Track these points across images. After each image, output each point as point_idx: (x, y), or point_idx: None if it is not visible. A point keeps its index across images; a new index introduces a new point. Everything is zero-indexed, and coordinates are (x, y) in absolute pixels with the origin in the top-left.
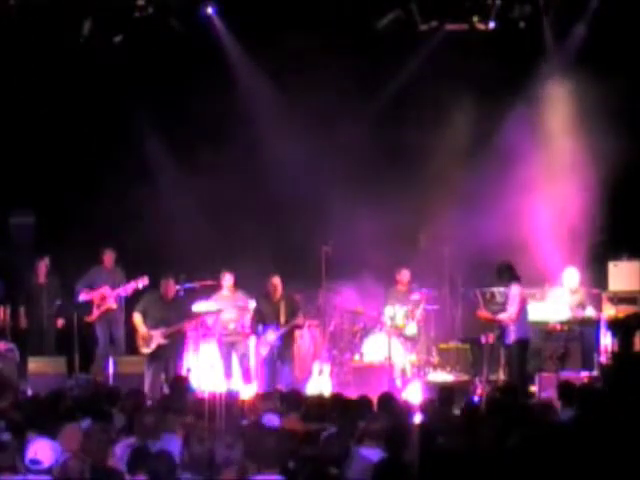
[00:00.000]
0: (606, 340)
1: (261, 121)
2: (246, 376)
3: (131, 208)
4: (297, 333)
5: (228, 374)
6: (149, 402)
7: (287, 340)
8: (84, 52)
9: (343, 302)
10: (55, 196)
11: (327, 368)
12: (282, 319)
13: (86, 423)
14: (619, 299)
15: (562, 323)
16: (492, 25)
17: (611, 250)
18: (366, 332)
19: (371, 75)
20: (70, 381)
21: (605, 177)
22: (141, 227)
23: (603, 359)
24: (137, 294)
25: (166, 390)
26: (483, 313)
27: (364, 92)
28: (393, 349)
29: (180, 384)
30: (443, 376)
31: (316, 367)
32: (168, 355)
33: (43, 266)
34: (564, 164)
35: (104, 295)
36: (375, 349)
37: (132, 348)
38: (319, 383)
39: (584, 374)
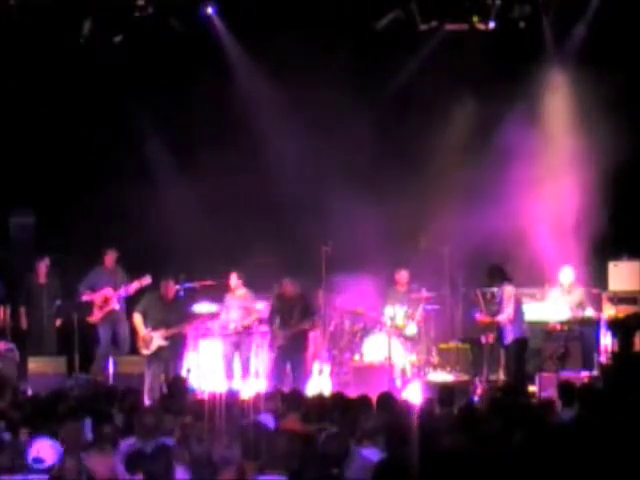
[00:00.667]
0: (606, 340)
1: (261, 121)
2: (245, 374)
3: (131, 208)
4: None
5: (229, 374)
6: (148, 402)
7: (298, 344)
8: (84, 52)
9: (343, 302)
10: (55, 196)
11: (327, 368)
12: (295, 319)
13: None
14: (619, 299)
15: (562, 323)
16: (492, 25)
17: (611, 250)
18: (366, 332)
19: (371, 75)
20: (70, 381)
21: (605, 177)
22: (141, 227)
23: (603, 359)
24: (138, 294)
25: (166, 390)
26: (482, 317)
27: (364, 92)
28: (393, 349)
29: (178, 385)
30: (443, 376)
31: (316, 367)
32: (168, 356)
33: (43, 266)
34: (564, 164)
35: (107, 297)
36: (375, 349)
37: (133, 348)
38: (319, 383)
39: (584, 374)
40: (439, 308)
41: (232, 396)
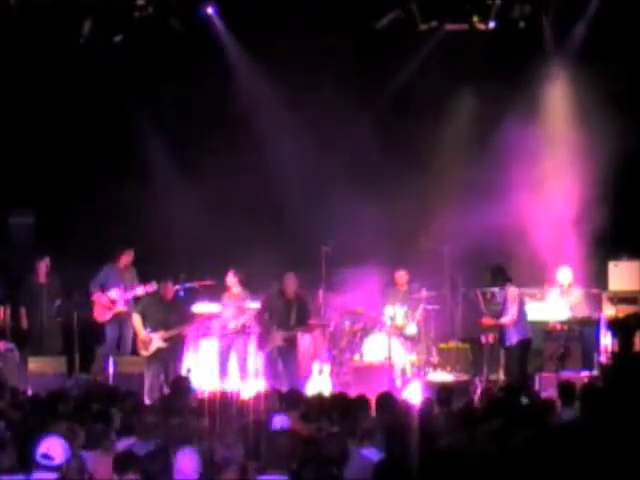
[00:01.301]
0: (606, 340)
1: (261, 120)
2: (243, 374)
3: (131, 208)
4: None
5: (224, 373)
6: (148, 402)
7: (290, 344)
8: (84, 52)
9: (343, 302)
10: (55, 196)
11: (327, 368)
12: (292, 321)
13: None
14: (619, 299)
15: (562, 323)
16: (492, 25)
17: (611, 250)
18: (366, 332)
19: (371, 75)
20: (70, 381)
21: (605, 176)
22: (141, 227)
23: (603, 359)
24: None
25: (166, 390)
26: (487, 321)
27: (364, 92)
28: (393, 349)
29: (181, 384)
30: (443, 376)
31: (316, 367)
32: (168, 357)
33: (43, 266)
34: (564, 163)
35: (113, 299)
36: (375, 349)
37: (133, 348)
38: (319, 383)
39: (584, 374)
40: (439, 308)
41: (232, 396)
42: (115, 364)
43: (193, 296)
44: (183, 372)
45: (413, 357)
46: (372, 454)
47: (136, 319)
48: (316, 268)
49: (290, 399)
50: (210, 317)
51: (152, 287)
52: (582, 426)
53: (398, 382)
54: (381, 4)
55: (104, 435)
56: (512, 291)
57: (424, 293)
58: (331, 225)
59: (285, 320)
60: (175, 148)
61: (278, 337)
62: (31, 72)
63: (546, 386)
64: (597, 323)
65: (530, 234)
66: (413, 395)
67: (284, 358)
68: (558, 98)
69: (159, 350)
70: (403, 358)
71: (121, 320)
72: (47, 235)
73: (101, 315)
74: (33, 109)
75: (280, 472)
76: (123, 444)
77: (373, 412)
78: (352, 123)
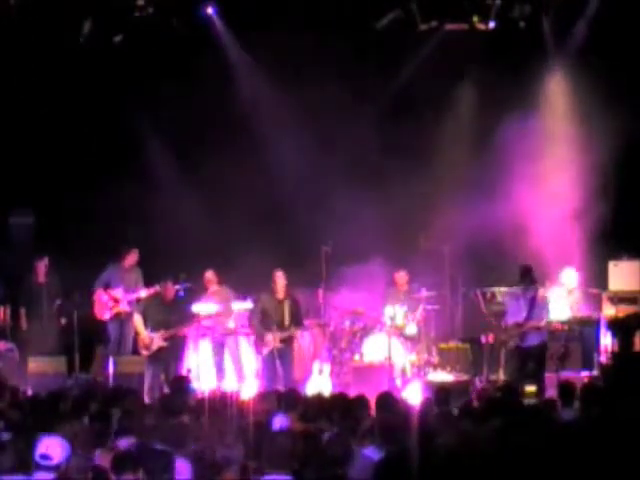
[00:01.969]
0: (606, 340)
1: (261, 120)
2: (239, 375)
3: (131, 208)
4: (297, 333)
5: (220, 373)
6: (148, 402)
7: (288, 341)
8: (84, 52)
9: (343, 302)
10: (55, 196)
11: (327, 368)
12: (286, 320)
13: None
14: (619, 299)
15: (562, 323)
16: (492, 25)
17: (611, 250)
18: (366, 332)
19: (371, 75)
20: (70, 381)
21: (605, 176)
22: (142, 227)
23: (603, 359)
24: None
25: (166, 390)
26: (523, 322)
27: (364, 92)
28: (393, 349)
29: (180, 384)
30: (443, 376)
31: (316, 367)
32: (168, 356)
33: (42, 266)
34: (564, 163)
35: (117, 298)
36: (375, 349)
37: (133, 348)
38: (319, 383)
39: (584, 374)
40: (439, 308)
41: (232, 396)
42: (115, 364)
43: (193, 296)
44: (183, 372)
45: (413, 357)
46: (372, 454)
47: (137, 319)
48: (316, 268)
49: (289, 399)
50: (210, 317)
51: (155, 290)
52: (582, 426)
53: (398, 382)
54: (381, 4)
55: (104, 435)
56: (542, 292)
57: (424, 293)
58: (331, 225)
59: (279, 321)
60: (175, 148)
61: (275, 339)
62: (31, 72)
63: (546, 386)
64: (597, 323)
65: (530, 234)
66: (413, 395)
67: (281, 359)
68: (558, 97)
69: (160, 350)
70: (403, 358)
71: (122, 320)
72: (47, 235)
73: (101, 313)
74: (33, 109)
75: (281, 472)
76: (123, 444)
77: (373, 412)
78: (352, 123)
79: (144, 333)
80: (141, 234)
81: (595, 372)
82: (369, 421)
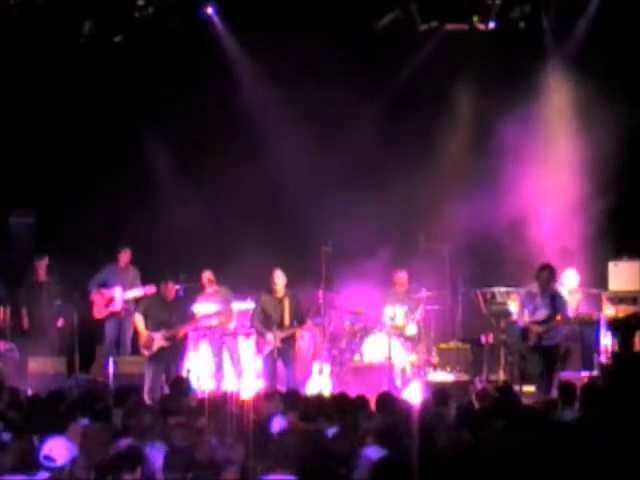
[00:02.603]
0: (606, 340)
1: (261, 120)
2: (238, 375)
3: (131, 208)
4: (298, 333)
5: (220, 373)
6: (148, 402)
7: (289, 341)
8: (84, 52)
9: (343, 302)
10: (55, 196)
11: (327, 368)
12: (287, 319)
13: (84, 422)
14: (619, 299)
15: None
16: (492, 25)
17: (611, 250)
18: (366, 332)
19: (371, 75)
20: (70, 381)
21: (605, 175)
22: (142, 227)
23: (603, 359)
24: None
25: (166, 391)
26: (535, 328)
27: (364, 92)
28: (393, 349)
29: (180, 385)
30: (443, 376)
31: (316, 367)
32: (169, 356)
33: (43, 266)
34: (564, 163)
35: (112, 297)
36: (375, 349)
37: (134, 348)
38: (319, 383)
39: (584, 374)
40: (439, 308)
41: (232, 396)
42: (115, 364)
43: (194, 296)
44: (184, 373)
45: (413, 357)
46: (373, 454)
47: (138, 319)
48: (316, 268)
49: (289, 399)
50: (210, 317)
51: (151, 289)
52: (582, 426)
53: (398, 382)
54: (381, 4)
55: (104, 435)
56: (564, 291)
57: (424, 293)
58: (331, 225)
59: (279, 320)
60: (175, 148)
61: (276, 338)
62: (31, 72)
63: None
64: (597, 323)
65: (530, 234)
66: (413, 395)
67: (283, 359)
68: (558, 98)
69: (161, 350)
70: (403, 358)
71: (119, 319)
72: (47, 235)
73: (98, 312)
74: (33, 109)
75: (287, 471)
76: (123, 444)
77: (372, 412)
78: (352, 123)
79: (145, 333)
80: (141, 234)
81: (595, 372)
82: (370, 421)
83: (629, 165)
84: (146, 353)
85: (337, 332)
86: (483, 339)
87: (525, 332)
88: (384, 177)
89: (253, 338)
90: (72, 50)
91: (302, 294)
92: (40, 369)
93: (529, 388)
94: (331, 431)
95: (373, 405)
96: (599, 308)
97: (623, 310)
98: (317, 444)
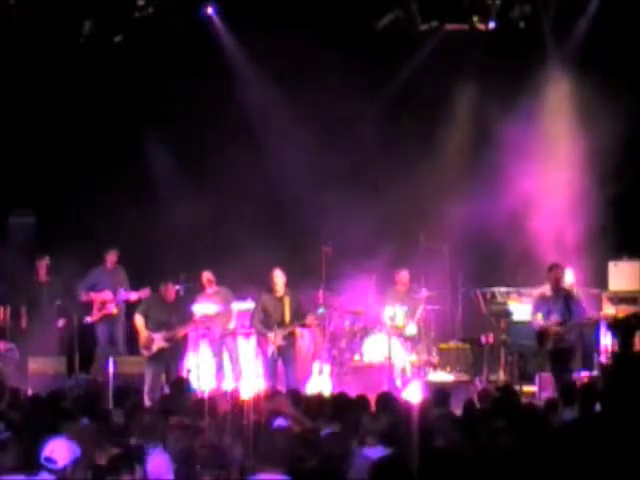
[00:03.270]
0: (606, 340)
1: (261, 120)
2: (238, 375)
3: (131, 208)
4: (298, 333)
5: (220, 373)
6: (149, 403)
7: (290, 340)
8: (84, 52)
9: (343, 302)
10: (55, 196)
11: (327, 368)
12: (287, 317)
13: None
14: (619, 299)
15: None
16: (492, 25)
17: (611, 250)
18: (366, 332)
19: (371, 75)
20: (70, 381)
21: (606, 175)
22: (141, 227)
23: (603, 359)
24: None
25: (166, 391)
26: (554, 328)
27: (364, 92)
28: (393, 349)
29: (180, 385)
30: (443, 376)
31: (316, 367)
32: (169, 357)
33: (44, 266)
34: (564, 163)
35: (105, 300)
36: (375, 349)
37: (133, 348)
38: (319, 383)
39: (584, 374)
40: (439, 308)
41: (233, 396)
42: (115, 364)
43: (193, 296)
44: (184, 373)
45: (413, 357)
46: (373, 454)
47: (138, 320)
48: (316, 268)
49: (291, 400)
50: (208, 317)
51: (145, 293)
52: (582, 426)
53: (398, 382)
54: (381, 4)
55: (104, 435)
56: (574, 289)
57: (424, 293)
58: (331, 225)
59: (280, 318)
60: (175, 148)
61: (278, 336)
62: (31, 72)
63: (546, 386)
64: (597, 323)
65: (531, 234)
66: (413, 395)
67: (284, 358)
68: (558, 98)
69: (161, 350)
70: (403, 358)
71: (111, 321)
72: (47, 235)
73: (91, 315)
74: (33, 109)
75: (277, 470)
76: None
77: (374, 412)
78: (352, 123)
79: (145, 333)
80: (141, 234)
81: (595, 372)
82: (370, 421)
83: (629, 165)
84: (146, 353)
85: (337, 332)
86: (483, 339)
87: (542, 335)
88: (384, 177)
89: (253, 338)
90: (72, 50)
91: (302, 294)
92: (40, 369)
93: (529, 388)
94: (325, 431)
95: (373, 405)
96: (599, 308)
97: (623, 310)
98: (312, 443)
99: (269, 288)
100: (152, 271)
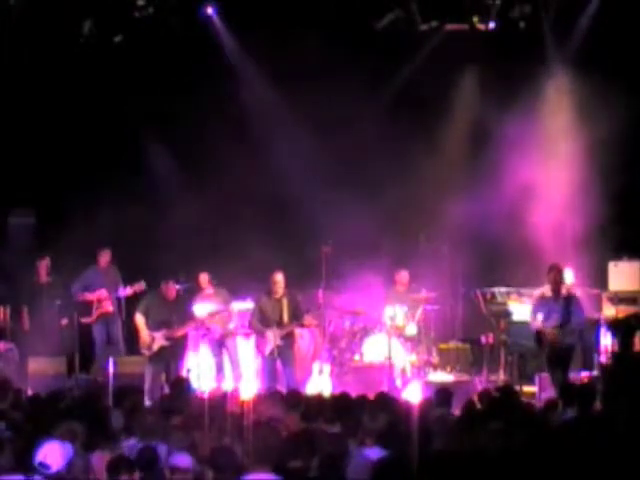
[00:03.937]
0: (606, 340)
1: (261, 120)
2: (238, 375)
3: (131, 208)
4: (297, 333)
5: (220, 373)
6: (149, 402)
7: (289, 340)
8: (84, 52)
9: (343, 302)
10: (55, 196)
11: (327, 368)
12: (285, 317)
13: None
14: (619, 299)
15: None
16: (492, 25)
17: (611, 250)
18: (366, 332)
19: (371, 75)
20: (70, 381)
21: (606, 175)
22: (142, 227)
23: (603, 359)
24: (137, 297)
25: (166, 390)
26: (549, 330)
27: (364, 92)
28: (393, 349)
29: (181, 385)
30: (443, 376)
31: (316, 367)
32: (169, 356)
33: (44, 266)
34: (564, 163)
35: (100, 298)
36: (375, 349)
37: (132, 348)
38: (319, 383)
39: (584, 374)
40: (439, 308)
41: (232, 396)
42: (115, 364)
43: (193, 296)
44: (184, 372)
45: (413, 357)
46: (373, 454)
47: (139, 319)
48: (316, 268)
49: (290, 400)
50: (208, 317)
51: (140, 286)
52: (582, 426)
53: (398, 382)
54: (381, 4)
55: (105, 435)
56: (575, 291)
57: (424, 293)
58: (331, 225)
59: (278, 319)
60: (175, 147)
61: (276, 336)
62: (31, 72)
63: (546, 386)
64: (597, 323)
65: (530, 234)
66: (413, 395)
67: (282, 359)
68: (558, 97)
69: (162, 349)
70: (403, 358)
71: (108, 320)
72: (47, 235)
73: (89, 315)
74: (33, 109)
75: (264, 466)
76: (124, 444)
77: (375, 413)
78: (352, 123)
79: (145, 333)
80: (141, 234)
81: (595, 372)
82: (370, 421)
83: (629, 165)
84: (147, 353)
85: (337, 332)
86: (483, 339)
87: (539, 337)
88: (384, 177)
89: (253, 338)
90: (72, 50)
91: (302, 294)
92: (40, 369)
93: (529, 388)
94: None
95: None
96: (599, 308)
97: (623, 310)
98: (309, 443)
99: (269, 290)
100: (152, 271)
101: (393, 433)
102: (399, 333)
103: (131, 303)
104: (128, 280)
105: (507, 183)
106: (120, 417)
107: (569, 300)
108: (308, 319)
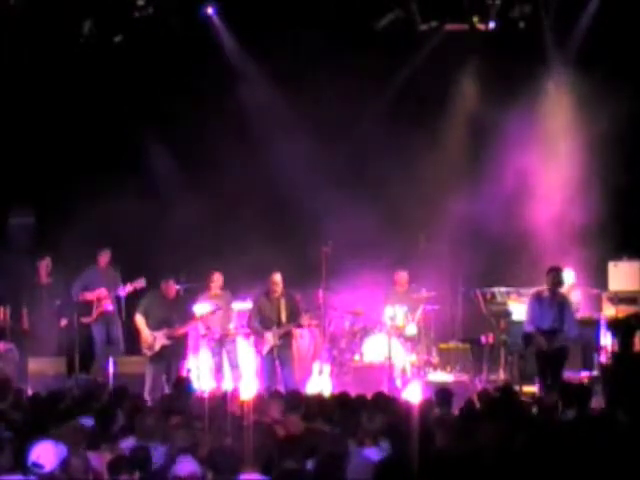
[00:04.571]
0: (606, 340)
1: (261, 120)
2: (237, 375)
3: (131, 208)
4: (297, 333)
5: (219, 373)
6: (149, 402)
7: (287, 340)
8: (84, 52)
9: (343, 302)
10: (55, 196)
11: (327, 368)
12: (283, 317)
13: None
14: (619, 299)
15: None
16: (492, 25)
17: (611, 250)
18: (366, 332)
19: (371, 75)
20: (70, 381)
21: (606, 176)
22: (141, 227)
23: (603, 359)
24: (138, 295)
25: (167, 390)
26: (539, 338)
27: (364, 92)
28: (393, 349)
29: (181, 385)
30: (443, 376)
31: (316, 367)
32: (170, 356)
33: (44, 266)
34: (564, 163)
35: (100, 297)
36: (375, 349)
37: (132, 348)
38: (319, 383)
39: (584, 374)
40: (439, 308)
41: (232, 396)
42: (115, 364)
43: (193, 296)
44: (184, 372)
45: (413, 357)
46: (373, 454)
47: (139, 319)
48: (316, 268)
49: (291, 400)
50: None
51: (140, 283)
52: (582, 426)
53: (398, 382)
54: (381, 4)
55: (105, 435)
56: (571, 295)
57: (424, 293)
58: (331, 225)
59: (277, 319)
60: (175, 148)
61: (275, 336)
62: (31, 72)
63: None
64: (597, 323)
65: (530, 234)
66: (413, 395)
67: (281, 359)
68: (558, 97)
69: (163, 348)
70: (403, 358)
71: (107, 320)
72: (47, 235)
73: (89, 315)
74: (33, 109)
75: (252, 466)
76: (124, 444)
77: (375, 413)
78: (352, 123)
79: (146, 332)
80: (141, 234)
81: (595, 372)
82: (370, 422)
83: (629, 165)
84: (148, 353)
85: (337, 332)
86: (483, 339)
87: (529, 338)
88: (384, 177)
89: (252, 339)
90: (72, 50)
91: (302, 294)
92: (40, 369)
93: (529, 388)
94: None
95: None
96: (599, 308)
97: (623, 310)
98: (308, 444)
99: (267, 291)
100: (152, 271)
101: (390, 433)
102: (399, 333)
103: (131, 303)
104: (128, 280)
105: (507, 183)
106: (120, 417)
107: (563, 305)
108: (305, 319)
